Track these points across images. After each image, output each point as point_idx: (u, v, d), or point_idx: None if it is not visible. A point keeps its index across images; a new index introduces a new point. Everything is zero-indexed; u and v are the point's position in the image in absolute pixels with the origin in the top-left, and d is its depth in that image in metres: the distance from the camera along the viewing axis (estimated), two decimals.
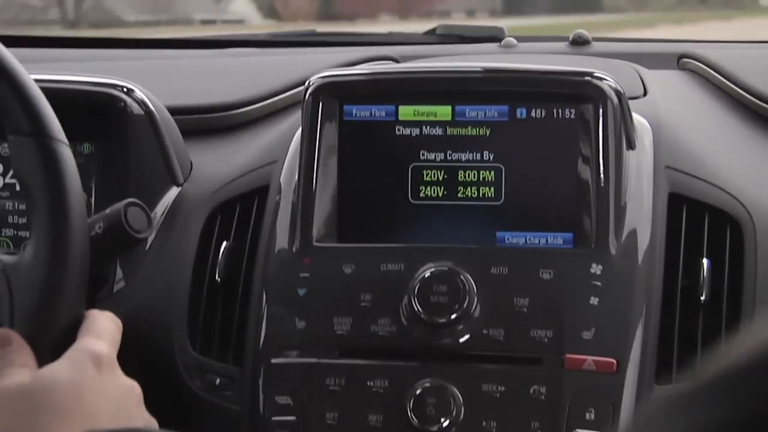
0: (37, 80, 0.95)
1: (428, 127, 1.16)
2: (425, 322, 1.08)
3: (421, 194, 1.15)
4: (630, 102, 1.17)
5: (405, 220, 1.15)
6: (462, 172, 1.15)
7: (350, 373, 1.10)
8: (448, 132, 1.15)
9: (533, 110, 1.14)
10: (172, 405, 1.14)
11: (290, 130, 1.27)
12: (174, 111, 1.34)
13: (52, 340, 0.90)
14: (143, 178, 1.27)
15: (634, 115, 1.18)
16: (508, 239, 1.13)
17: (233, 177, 1.26)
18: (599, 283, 1.08)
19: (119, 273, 1.23)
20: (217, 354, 1.18)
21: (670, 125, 1.24)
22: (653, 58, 1.63)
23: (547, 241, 1.13)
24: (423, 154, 1.15)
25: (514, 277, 1.10)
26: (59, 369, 0.85)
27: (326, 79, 1.18)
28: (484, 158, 1.14)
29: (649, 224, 1.13)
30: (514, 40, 1.76)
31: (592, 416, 1.05)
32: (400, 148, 1.16)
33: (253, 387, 1.13)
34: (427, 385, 1.07)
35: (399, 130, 1.16)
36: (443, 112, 1.16)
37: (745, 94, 1.40)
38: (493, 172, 1.14)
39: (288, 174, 1.21)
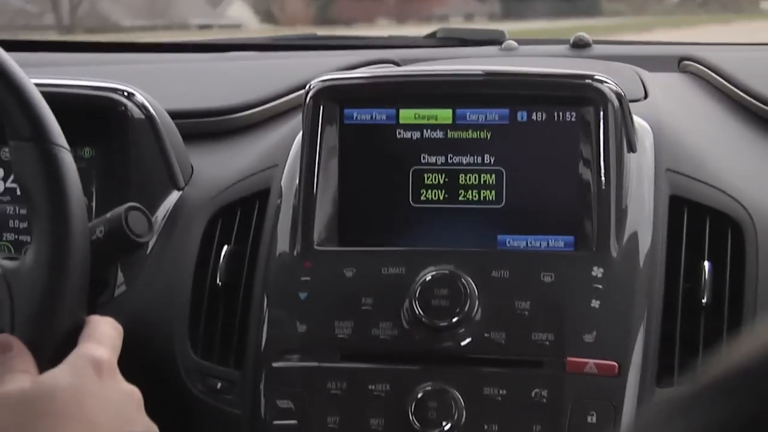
0: (37, 84, 0.95)
1: (429, 131, 1.16)
2: (426, 326, 1.08)
3: (422, 197, 1.15)
4: (631, 105, 1.17)
5: (406, 224, 1.15)
6: (463, 175, 1.15)
7: (351, 376, 1.10)
8: (449, 135, 1.15)
9: (534, 113, 1.14)
10: (173, 409, 1.14)
11: (291, 134, 1.27)
12: (175, 115, 1.34)
13: (52, 346, 0.90)
14: (144, 182, 1.27)
15: (635, 118, 1.18)
16: (509, 242, 1.13)
17: (234, 181, 1.26)
18: (600, 286, 1.08)
19: (120, 277, 1.23)
20: (218, 358, 1.18)
21: (671, 128, 1.24)
22: (654, 61, 1.63)
23: (548, 244, 1.12)
24: (424, 158, 1.15)
25: (516, 280, 1.10)
26: (60, 375, 0.85)
27: (327, 83, 1.18)
28: (485, 161, 1.14)
29: (650, 227, 1.13)
30: (514, 43, 1.76)
31: (594, 419, 1.05)
32: (401, 152, 1.16)
33: (255, 391, 1.13)
34: (429, 388, 1.07)
35: (400, 133, 1.16)
36: (444, 115, 1.16)
37: (746, 96, 1.40)
38: (494, 176, 1.14)
39: (289, 178, 1.21)
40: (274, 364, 1.12)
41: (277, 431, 1.10)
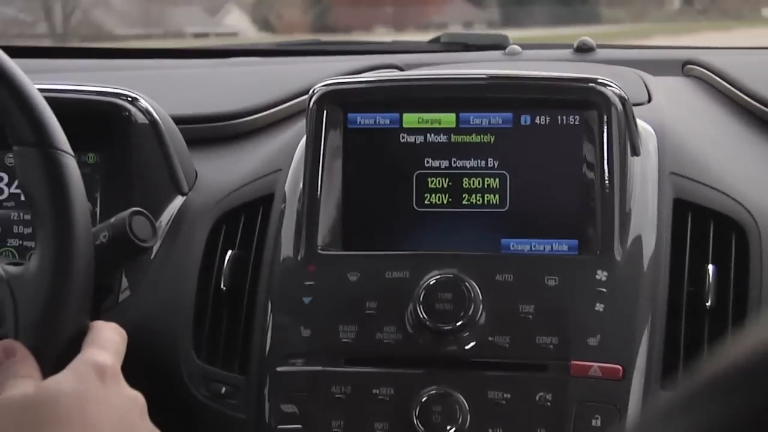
0: (41, 90, 0.95)
1: (433, 135, 1.16)
2: (430, 330, 1.08)
3: (426, 201, 1.15)
4: (634, 108, 1.17)
5: (410, 228, 1.15)
6: (466, 179, 1.15)
7: (356, 380, 1.10)
8: (453, 139, 1.15)
9: (538, 117, 1.14)
10: (177, 414, 1.14)
11: (295, 139, 1.27)
12: (178, 120, 1.34)
13: (56, 351, 0.90)
14: (148, 187, 1.27)
15: (639, 122, 1.18)
16: (513, 246, 1.13)
17: (238, 186, 1.26)
18: (604, 290, 1.08)
19: (124, 282, 1.23)
20: (222, 363, 1.18)
21: (675, 131, 1.24)
22: (658, 65, 1.63)
23: (552, 247, 1.12)
24: (427, 162, 1.15)
25: (520, 283, 1.10)
26: (63, 380, 0.85)
27: (330, 87, 1.18)
28: (489, 165, 1.14)
29: (654, 230, 1.12)
30: (518, 48, 1.76)
31: (598, 423, 1.05)
32: (405, 156, 1.16)
33: (259, 395, 1.13)
34: (433, 392, 1.07)
35: (403, 137, 1.16)
36: (447, 119, 1.16)
37: (750, 100, 1.40)
38: (497, 179, 1.14)
39: (293, 182, 1.21)
40: (279, 369, 1.12)
41: None
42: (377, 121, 1.17)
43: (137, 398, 0.88)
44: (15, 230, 1.30)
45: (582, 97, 1.14)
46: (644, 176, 1.16)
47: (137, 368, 0.93)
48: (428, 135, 1.16)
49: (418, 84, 1.21)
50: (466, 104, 1.16)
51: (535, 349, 1.08)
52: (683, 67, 1.63)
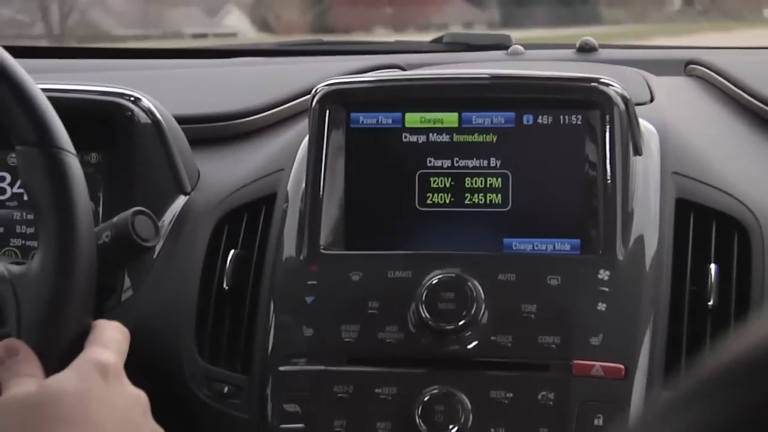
0: (43, 90, 0.95)
1: (435, 134, 1.16)
2: (433, 329, 1.08)
3: (428, 201, 1.15)
4: (637, 108, 1.17)
5: (412, 227, 1.15)
6: (469, 178, 1.15)
7: (358, 380, 1.10)
8: (455, 139, 1.15)
9: (540, 116, 1.14)
10: (179, 414, 1.14)
11: (297, 139, 1.28)
12: (181, 120, 1.34)
13: (58, 350, 0.90)
14: (150, 187, 1.27)
15: (641, 121, 1.18)
16: (515, 246, 1.13)
17: (240, 185, 1.27)
18: (607, 289, 1.08)
19: (127, 282, 1.23)
20: (224, 362, 1.18)
21: (677, 131, 1.24)
22: (660, 65, 1.63)
23: (554, 247, 1.12)
24: (430, 161, 1.15)
25: (522, 283, 1.10)
26: (66, 379, 0.85)
27: (333, 87, 1.18)
28: (491, 165, 1.14)
29: (656, 230, 1.12)
30: (521, 48, 1.76)
31: (601, 422, 1.05)
32: (407, 156, 1.16)
33: (261, 395, 1.13)
34: (435, 391, 1.07)
35: (406, 137, 1.16)
36: (450, 119, 1.16)
37: (752, 99, 1.40)
38: (500, 179, 1.14)
39: (295, 182, 1.21)
40: (281, 368, 1.12)
41: None
42: (380, 120, 1.17)
43: (140, 397, 0.88)
44: (18, 230, 1.30)
45: (584, 97, 1.14)
46: (646, 176, 1.16)
47: (140, 368, 0.93)
48: (431, 135, 1.16)
49: (420, 84, 1.21)
50: (468, 104, 1.16)
51: (537, 349, 1.08)
52: (686, 67, 1.63)
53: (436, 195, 1.15)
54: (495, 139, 1.15)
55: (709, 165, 1.20)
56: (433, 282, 1.08)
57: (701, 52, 1.66)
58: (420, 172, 1.15)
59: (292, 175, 1.22)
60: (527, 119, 1.14)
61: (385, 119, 1.17)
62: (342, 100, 1.17)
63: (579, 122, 1.13)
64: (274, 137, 1.39)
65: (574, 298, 1.08)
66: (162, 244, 1.25)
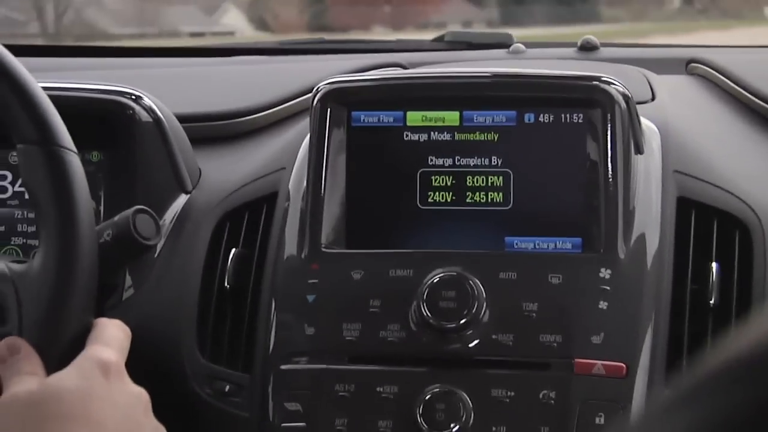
0: (44, 88, 0.95)
1: (436, 133, 1.16)
2: (434, 328, 1.08)
3: (430, 200, 1.15)
4: (638, 106, 1.17)
5: (413, 226, 1.15)
6: (470, 177, 1.15)
7: (359, 379, 1.10)
8: (456, 137, 1.15)
9: (541, 115, 1.14)
10: (181, 412, 1.14)
11: (298, 137, 1.27)
12: (182, 119, 1.34)
13: (60, 348, 0.90)
14: (151, 185, 1.27)
15: (643, 120, 1.18)
16: (516, 244, 1.13)
17: (242, 184, 1.26)
18: (608, 288, 1.08)
19: (128, 280, 1.23)
20: (226, 361, 1.18)
21: (679, 129, 1.24)
22: (662, 63, 1.63)
23: (555, 245, 1.12)
24: (431, 160, 1.15)
25: (523, 282, 1.10)
26: (67, 377, 0.85)
27: (334, 86, 1.18)
28: (493, 163, 1.14)
29: (657, 228, 1.12)
30: (522, 46, 1.76)
31: (602, 421, 1.05)
32: (409, 154, 1.16)
33: (263, 393, 1.13)
34: (437, 390, 1.07)
35: (407, 135, 1.16)
36: (451, 117, 1.16)
37: (754, 98, 1.40)
38: (501, 177, 1.14)
39: (296, 181, 1.21)
40: (282, 367, 1.12)
41: None
42: (381, 119, 1.17)
43: (141, 395, 0.88)
44: (19, 228, 1.30)
45: (586, 96, 1.14)
46: (648, 174, 1.16)
47: (141, 366, 0.93)
48: (432, 133, 1.16)
49: (421, 82, 1.21)
50: (469, 102, 1.16)
51: (538, 347, 1.08)
52: (687, 66, 1.63)
53: (437, 193, 1.15)
54: (496, 138, 1.15)
55: (710, 163, 1.20)
56: (435, 280, 1.08)
57: (702, 51, 1.66)
58: (421, 170, 1.15)
59: (293, 173, 1.22)
60: (528, 118, 1.14)
61: (387, 118, 1.17)
62: (343, 99, 1.17)
63: (580, 121, 1.13)
64: (275, 136, 1.39)
65: (576, 297, 1.08)
66: (163, 243, 1.25)
